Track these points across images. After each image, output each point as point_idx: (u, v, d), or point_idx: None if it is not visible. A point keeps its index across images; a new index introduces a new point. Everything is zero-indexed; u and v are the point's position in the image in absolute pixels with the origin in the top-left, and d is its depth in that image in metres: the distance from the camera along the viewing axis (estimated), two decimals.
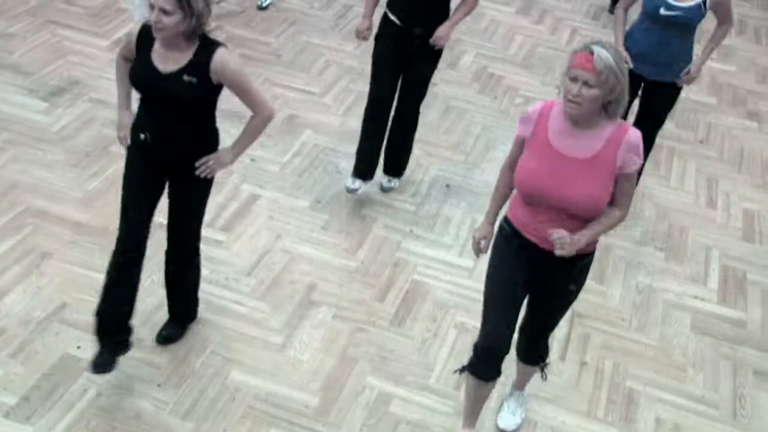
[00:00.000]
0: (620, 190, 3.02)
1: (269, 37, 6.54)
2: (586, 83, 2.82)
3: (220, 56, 3.19)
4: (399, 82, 4.76)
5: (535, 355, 3.63)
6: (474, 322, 4.21)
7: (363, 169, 4.90)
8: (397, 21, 4.53)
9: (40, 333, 3.82)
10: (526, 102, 6.12)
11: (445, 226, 4.90)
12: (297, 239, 4.63)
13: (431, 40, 4.51)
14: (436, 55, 4.66)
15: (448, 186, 5.23)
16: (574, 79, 2.85)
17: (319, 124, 5.61)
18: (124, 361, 3.73)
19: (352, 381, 3.86)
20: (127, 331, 3.58)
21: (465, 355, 4.06)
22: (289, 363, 3.90)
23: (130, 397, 3.62)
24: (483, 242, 3.30)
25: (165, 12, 3.05)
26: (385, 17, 4.62)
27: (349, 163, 5.21)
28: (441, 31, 4.50)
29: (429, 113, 5.78)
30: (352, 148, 5.32)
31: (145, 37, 3.24)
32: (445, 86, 5.95)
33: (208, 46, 3.20)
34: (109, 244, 4.33)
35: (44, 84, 5.54)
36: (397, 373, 3.94)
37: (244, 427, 3.57)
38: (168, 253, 3.71)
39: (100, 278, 4.12)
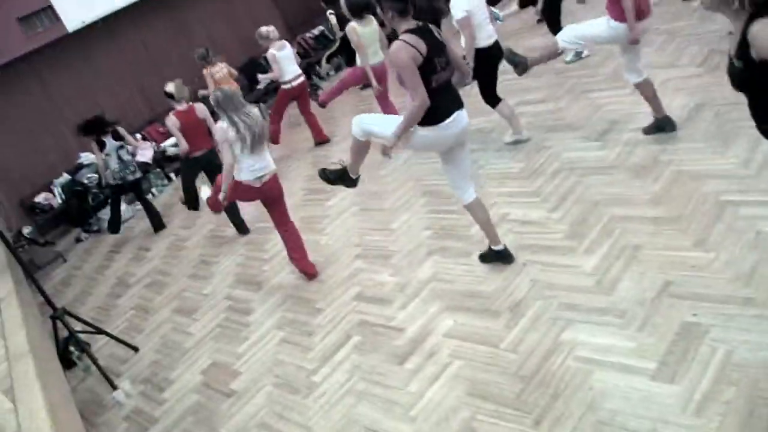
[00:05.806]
0: None
1: None
2: None
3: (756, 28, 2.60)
4: None
5: None
6: None
7: None
8: None
9: (655, 309, 3.83)
10: None
11: None
12: None
13: None
14: None
15: None
16: None
17: None
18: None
19: None
20: None
21: None
22: None
23: (762, 350, 3.35)
24: None
25: None
26: None
27: None
28: None
29: None
30: None
31: None
32: None
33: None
34: (688, 226, 4.29)
35: (593, 131, 5.99)
36: None
37: None
38: None
39: (691, 256, 4.06)
